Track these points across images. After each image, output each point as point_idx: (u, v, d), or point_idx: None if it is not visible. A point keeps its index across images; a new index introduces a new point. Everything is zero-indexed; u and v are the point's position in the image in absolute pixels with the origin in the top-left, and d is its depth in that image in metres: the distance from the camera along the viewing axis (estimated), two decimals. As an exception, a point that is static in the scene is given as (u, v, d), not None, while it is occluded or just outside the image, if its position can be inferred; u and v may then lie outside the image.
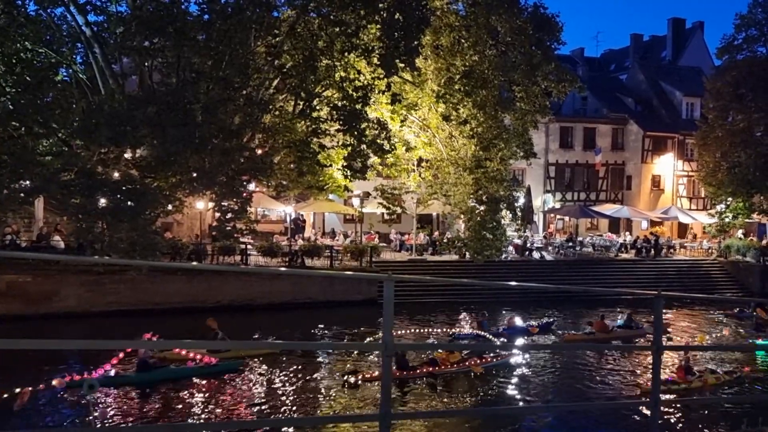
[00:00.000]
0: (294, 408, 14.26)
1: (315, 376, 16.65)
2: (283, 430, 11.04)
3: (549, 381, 17.17)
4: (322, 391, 15.57)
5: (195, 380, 15.73)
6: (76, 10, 24.31)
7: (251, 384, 16.01)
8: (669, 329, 23.21)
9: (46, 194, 24.49)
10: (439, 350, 17.36)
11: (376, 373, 15.58)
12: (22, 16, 23.59)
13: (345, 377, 15.79)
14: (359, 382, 15.48)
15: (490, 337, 20.59)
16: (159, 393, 15.02)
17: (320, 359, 18.22)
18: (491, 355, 17.93)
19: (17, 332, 18.98)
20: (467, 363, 17.05)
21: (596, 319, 22.82)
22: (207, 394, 15.04)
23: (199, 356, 16.04)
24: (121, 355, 15.25)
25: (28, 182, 23.66)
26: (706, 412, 14.63)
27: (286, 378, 16.30)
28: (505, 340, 20.87)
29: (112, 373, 14.98)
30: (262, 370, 16.93)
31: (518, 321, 22.60)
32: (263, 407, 14.28)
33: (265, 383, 16.01)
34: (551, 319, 23.48)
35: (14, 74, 23.16)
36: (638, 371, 18.00)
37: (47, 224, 27.01)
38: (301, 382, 16.01)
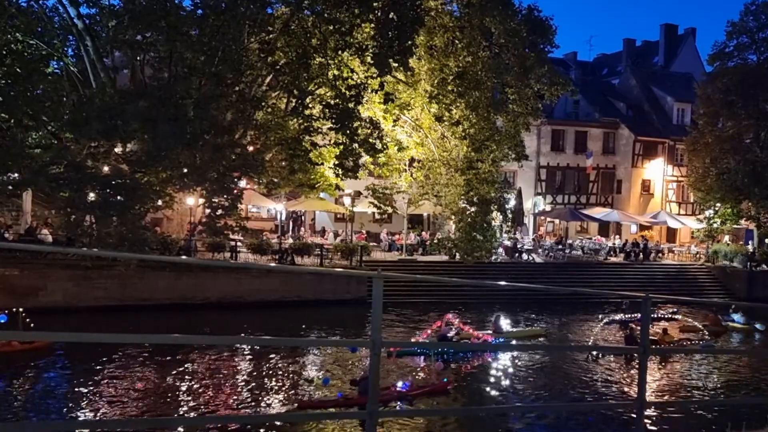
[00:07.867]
0: (281, 403, 14.23)
1: (302, 373, 16.61)
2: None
3: (540, 381, 17.20)
4: (312, 387, 15.53)
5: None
6: (68, 2, 24.09)
7: (243, 378, 15.96)
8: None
9: (34, 187, 24.28)
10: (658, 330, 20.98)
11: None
12: (13, 6, 23.40)
13: (588, 355, 18.91)
14: (599, 357, 18.86)
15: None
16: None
17: (312, 357, 18.22)
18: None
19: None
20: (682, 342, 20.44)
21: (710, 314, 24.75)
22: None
23: (481, 334, 19.76)
24: (429, 331, 19.36)
25: (16, 175, 23.47)
26: (692, 414, 14.70)
27: (275, 373, 16.25)
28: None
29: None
30: (253, 367, 16.86)
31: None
32: (249, 402, 14.23)
33: (257, 379, 15.96)
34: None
35: (4, 65, 22.97)
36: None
37: (35, 218, 26.80)
38: (288, 378, 15.96)
